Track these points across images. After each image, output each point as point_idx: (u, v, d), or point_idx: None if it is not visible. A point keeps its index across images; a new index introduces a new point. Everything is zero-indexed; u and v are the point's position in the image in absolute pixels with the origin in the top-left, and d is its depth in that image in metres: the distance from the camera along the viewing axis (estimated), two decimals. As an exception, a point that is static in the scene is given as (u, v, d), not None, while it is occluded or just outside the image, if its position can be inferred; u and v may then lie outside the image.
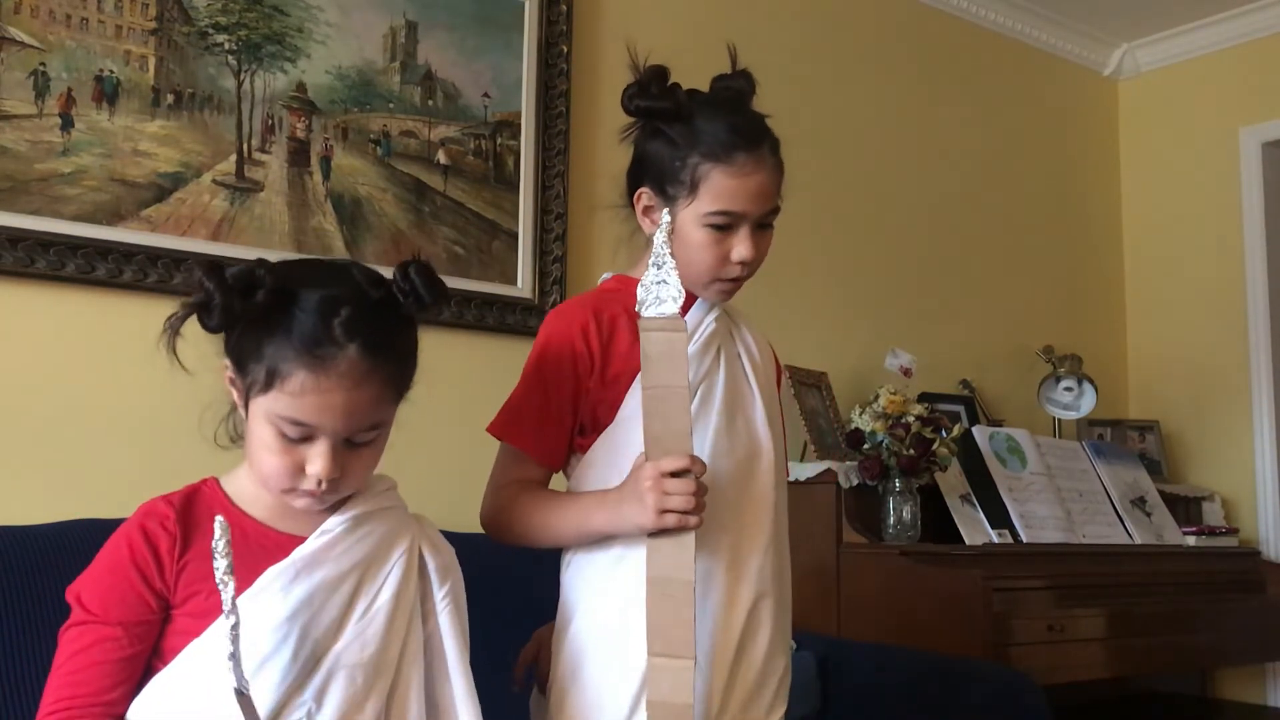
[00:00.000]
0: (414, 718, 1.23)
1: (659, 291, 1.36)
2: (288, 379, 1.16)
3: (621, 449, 1.40)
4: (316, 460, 1.18)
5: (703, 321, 1.49)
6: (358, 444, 1.21)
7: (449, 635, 1.28)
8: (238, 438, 1.30)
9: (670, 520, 1.31)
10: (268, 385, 1.17)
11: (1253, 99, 3.79)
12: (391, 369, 1.22)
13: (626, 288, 1.45)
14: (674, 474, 1.31)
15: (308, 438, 1.18)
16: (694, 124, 1.44)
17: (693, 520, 1.32)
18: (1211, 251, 3.86)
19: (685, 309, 1.48)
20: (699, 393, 1.44)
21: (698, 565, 1.38)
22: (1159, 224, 4.02)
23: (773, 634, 1.44)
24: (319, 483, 1.18)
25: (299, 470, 1.18)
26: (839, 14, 3.38)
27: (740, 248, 1.43)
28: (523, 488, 1.46)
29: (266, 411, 1.17)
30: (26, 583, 1.64)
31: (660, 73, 1.47)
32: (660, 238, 1.38)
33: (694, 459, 1.33)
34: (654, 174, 1.47)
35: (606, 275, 1.57)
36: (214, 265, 1.17)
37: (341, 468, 1.19)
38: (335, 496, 1.23)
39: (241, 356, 1.19)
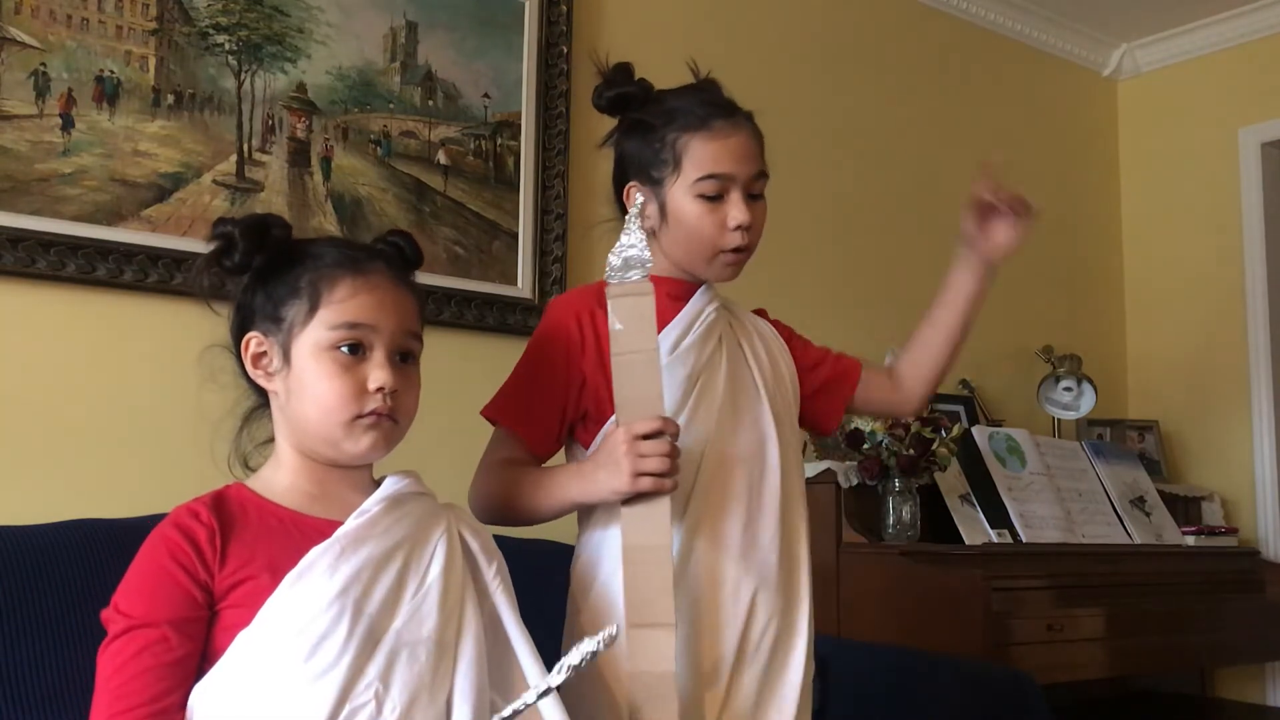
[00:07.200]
0: (479, 697, 1.20)
1: (626, 257, 1.37)
2: (335, 288, 1.23)
3: None
4: (377, 370, 1.22)
5: (703, 311, 1.49)
6: (405, 361, 1.26)
7: (506, 612, 1.28)
8: (252, 458, 1.31)
9: (646, 483, 1.30)
10: (313, 308, 1.22)
11: (1252, 99, 3.79)
12: (415, 290, 1.30)
13: None
14: (646, 436, 1.30)
15: (364, 347, 1.22)
16: (666, 104, 1.47)
17: (668, 482, 1.30)
18: (1211, 251, 3.86)
19: (686, 299, 1.49)
20: (701, 380, 1.44)
21: (698, 554, 1.38)
22: (1158, 224, 4.02)
23: (780, 628, 1.42)
24: (384, 397, 1.21)
25: (361, 389, 1.22)
26: (838, 14, 3.38)
27: (735, 211, 1.44)
28: (506, 465, 1.44)
29: (318, 335, 1.22)
30: (26, 583, 1.63)
31: (624, 67, 1.50)
32: (632, 212, 1.40)
33: (666, 420, 1.32)
34: (637, 165, 1.49)
35: None
36: (224, 217, 1.26)
37: (399, 383, 1.23)
38: (397, 426, 1.25)
39: (274, 306, 1.24)
